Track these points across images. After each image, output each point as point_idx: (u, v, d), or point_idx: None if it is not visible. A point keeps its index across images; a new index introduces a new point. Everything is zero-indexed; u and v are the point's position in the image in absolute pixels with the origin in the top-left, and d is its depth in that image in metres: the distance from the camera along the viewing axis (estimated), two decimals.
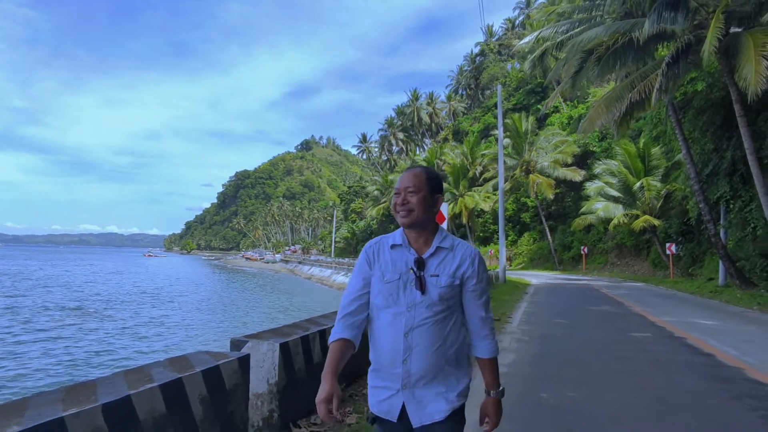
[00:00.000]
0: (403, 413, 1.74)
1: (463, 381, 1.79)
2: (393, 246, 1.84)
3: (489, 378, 1.86)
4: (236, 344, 3.69)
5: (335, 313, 1.84)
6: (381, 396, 1.77)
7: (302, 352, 4.09)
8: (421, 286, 1.75)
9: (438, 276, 1.76)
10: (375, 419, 1.80)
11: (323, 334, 4.48)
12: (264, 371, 3.63)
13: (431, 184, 1.81)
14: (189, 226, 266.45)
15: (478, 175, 46.93)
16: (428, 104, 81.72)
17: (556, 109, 48.53)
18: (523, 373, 5.86)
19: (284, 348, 3.76)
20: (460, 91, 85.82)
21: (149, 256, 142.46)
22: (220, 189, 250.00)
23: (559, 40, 20.72)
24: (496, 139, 42.26)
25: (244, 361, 3.20)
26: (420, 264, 1.77)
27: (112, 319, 21.48)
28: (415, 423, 1.73)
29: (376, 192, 65.12)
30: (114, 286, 38.97)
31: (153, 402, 2.45)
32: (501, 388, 1.88)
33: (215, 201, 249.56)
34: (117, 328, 19.02)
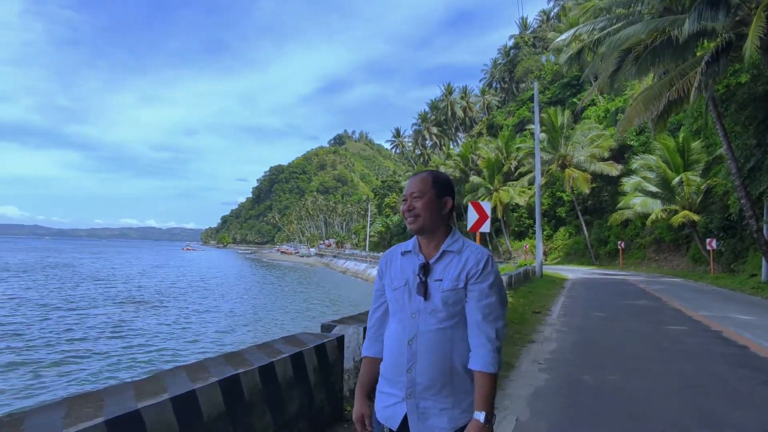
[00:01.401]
0: (404, 423, 1.69)
1: (472, 396, 1.67)
2: (404, 253, 1.83)
3: (476, 394, 1.64)
4: (326, 327, 4.43)
5: None
6: (386, 402, 1.74)
7: None
8: (424, 291, 1.70)
9: (441, 280, 1.71)
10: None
11: None
12: (350, 350, 4.36)
13: (437, 187, 1.79)
14: (225, 220, 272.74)
15: (513, 169, 46.96)
16: (462, 98, 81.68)
17: (593, 102, 48.04)
18: (565, 359, 6.46)
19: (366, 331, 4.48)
20: (494, 85, 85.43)
21: (187, 249, 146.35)
22: (255, 184, 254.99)
23: (596, 37, 20.82)
24: (531, 134, 42.26)
25: (341, 340, 3.95)
26: (426, 269, 1.74)
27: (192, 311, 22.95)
28: None
29: None
30: (166, 279, 40.98)
31: (285, 368, 3.20)
32: (489, 412, 1.62)
33: (250, 195, 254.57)
34: (198, 320, 20.45)
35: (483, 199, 42.00)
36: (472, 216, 10.10)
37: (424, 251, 1.79)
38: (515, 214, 48.75)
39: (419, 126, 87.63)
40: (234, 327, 19.06)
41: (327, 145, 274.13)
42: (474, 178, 48.24)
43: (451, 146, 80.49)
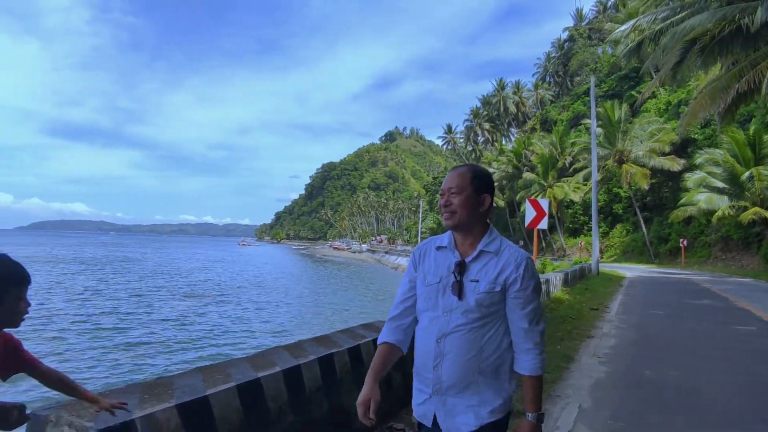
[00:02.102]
0: (437, 421, 1.71)
1: (501, 396, 1.70)
2: (439, 248, 1.80)
3: (527, 397, 1.73)
4: None
5: None
6: (418, 399, 1.76)
7: None
8: (459, 291, 1.68)
9: (478, 281, 1.69)
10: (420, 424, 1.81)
11: None
12: None
13: (476, 183, 1.74)
14: (278, 216, 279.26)
15: (567, 165, 45.98)
16: (515, 93, 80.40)
17: (653, 95, 46.23)
18: (624, 354, 6.55)
19: None
20: (547, 79, 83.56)
21: (243, 245, 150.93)
22: (308, 181, 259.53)
23: (658, 27, 20.13)
24: (586, 128, 41.15)
25: None
26: (461, 268, 1.71)
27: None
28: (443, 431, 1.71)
29: None
30: (227, 273, 42.97)
31: (368, 351, 3.59)
32: (540, 412, 1.71)
33: (303, 192, 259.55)
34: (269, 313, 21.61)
35: (537, 196, 41.35)
36: (529, 213, 10.21)
37: (459, 248, 1.76)
38: (570, 211, 47.70)
39: (471, 122, 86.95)
40: (303, 318, 20.32)
41: (378, 142, 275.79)
42: (527, 175, 47.56)
43: (504, 142, 79.40)
